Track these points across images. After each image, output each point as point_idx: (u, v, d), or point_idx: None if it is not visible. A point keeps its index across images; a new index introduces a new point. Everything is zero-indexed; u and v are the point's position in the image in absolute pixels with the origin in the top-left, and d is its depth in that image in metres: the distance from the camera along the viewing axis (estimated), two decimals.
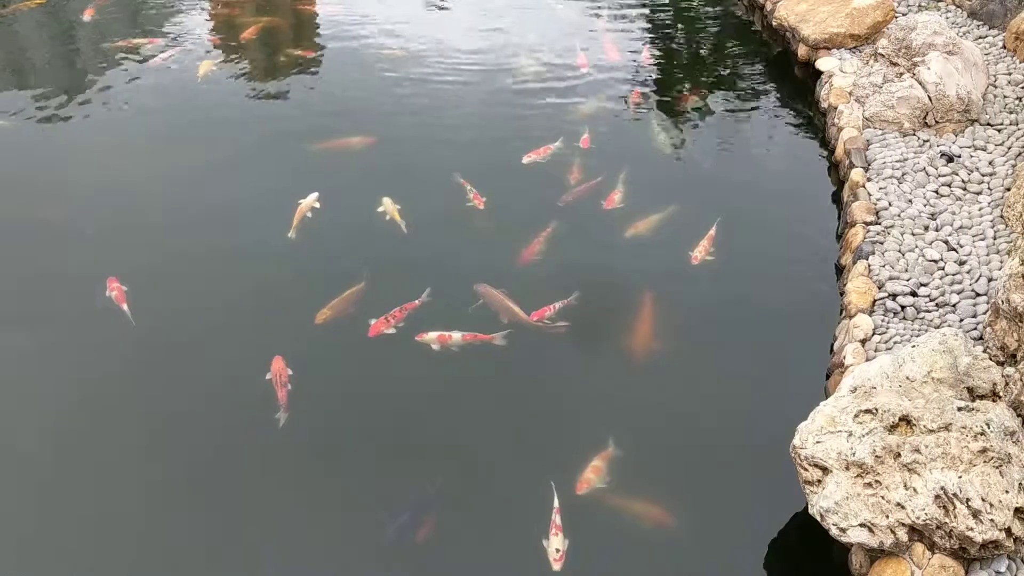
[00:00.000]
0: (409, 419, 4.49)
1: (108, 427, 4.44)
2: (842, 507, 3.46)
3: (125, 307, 5.08)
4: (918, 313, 4.61)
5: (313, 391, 4.59)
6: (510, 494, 4.11)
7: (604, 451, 4.22)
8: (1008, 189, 5.30)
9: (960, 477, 3.39)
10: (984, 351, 4.23)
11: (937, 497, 3.37)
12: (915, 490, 3.41)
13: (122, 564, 3.90)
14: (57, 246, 5.60)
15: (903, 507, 3.40)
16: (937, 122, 5.96)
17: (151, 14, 8.88)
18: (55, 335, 4.94)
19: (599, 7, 8.96)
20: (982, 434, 3.47)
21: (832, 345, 4.75)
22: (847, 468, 3.54)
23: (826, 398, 3.94)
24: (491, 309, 5.05)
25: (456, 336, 4.83)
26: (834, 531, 3.48)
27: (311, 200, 5.86)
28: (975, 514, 3.33)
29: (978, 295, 4.63)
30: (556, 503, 3.98)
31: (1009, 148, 5.69)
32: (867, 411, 3.65)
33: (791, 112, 7.07)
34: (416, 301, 5.01)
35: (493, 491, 4.14)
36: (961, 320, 4.51)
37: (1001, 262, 4.79)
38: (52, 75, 7.76)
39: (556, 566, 3.78)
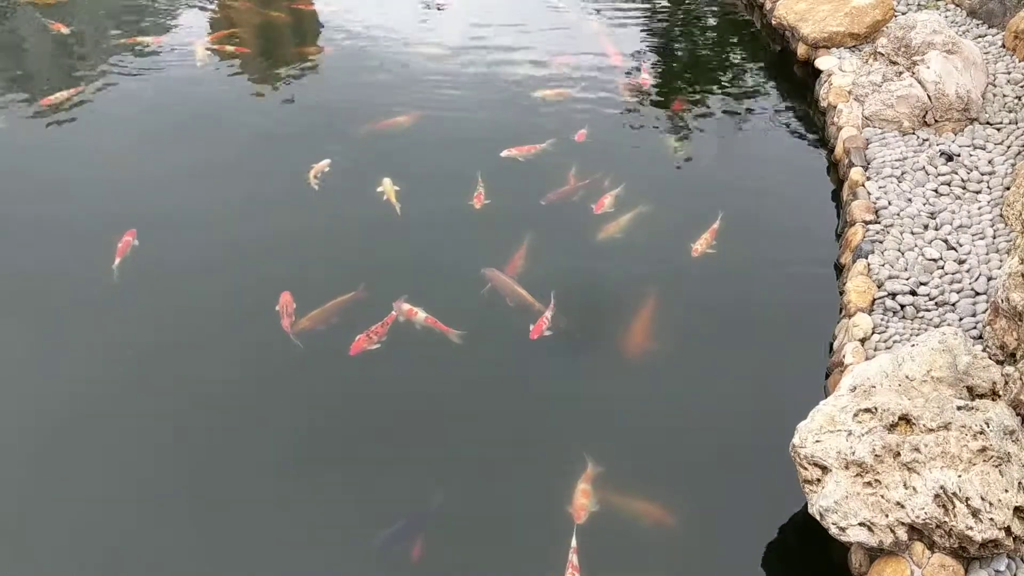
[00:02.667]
0: (406, 427, 4.45)
1: (98, 426, 4.44)
2: (841, 506, 3.46)
3: (118, 260, 5.27)
4: (917, 312, 4.61)
5: (293, 399, 4.58)
6: (512, 508, 4.06)
7: (585, 472, 4.13)
8: (1008, 188, 5.30)
9: (960, 476, 3.39)
10: (983, 350, 4.23)
11: (937, 496, 3.37)
12: (915, 489, 3.41)
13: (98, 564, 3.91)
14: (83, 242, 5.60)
15: (903, 506, 3.40)
16: (936, 121, 5.95)
17: (152, 11, 8.87)
18: (54, 333, 4.93)
19: (599, 6, 8.95)
20: (981, 433, 3.47)
21: (831, 344, 4.75)
22: (847, 467, 3.54)
23: (825, 397, 3.94)
24: (499, 293, 5.07)
25: (420, 315, 4.91)
26: (833, 530, 3.48)
27: (323, 164, 6.19)
28: (974, 513, 3.33)
29: (977, 294, 4.63)
30: (574, 542, 3.84)
31: (1008, 147, 5.69)
32: (867, 410, 3.65)
33: (790, 111, 7.06)
34: (394, 313, 4.94)
35: (494, 504, 4.09)
36: (960, 319, 4.51)
37: (1001, 261, 4.79)
38: (56, 72, 7.75)
39: None
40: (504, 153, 6.33)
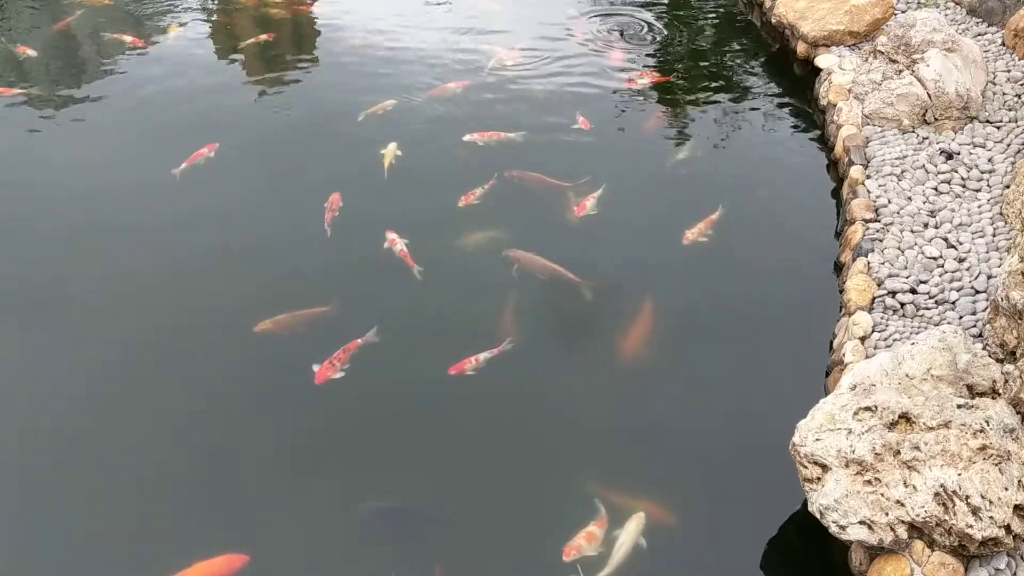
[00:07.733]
0: (403, 429, 4.43)
1: (96, 425, 4.46)
2: (842, 504, 3.46)
3: (185, 164, 5.96)
4: (917, 310, 4.60)
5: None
6: (509, 514, 4.06)
7: (598, 519, 3.96)
8: (1007, 186, 5.30)
9: (960, 474, 3.39)
10: (983, 348, 4.23)
11: (937, 494, 3.37)
12: (915, 487, 3.41)
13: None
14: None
15: (903, 504, 3.40)
16: (936, 119, 5.95)
17: (153, 9, 8.87)
18: (45, 338, 4.93)
19: (597, 3, 8.94)
20: (981, 431, 3.47)
21: (831, 343, 4.75)
22: (847, 465, 3.53)
23: (825, 395, 3.94)
24: (528, 271, 5.14)
25: (400, 244, 5.31)
26: (833, 528, 3.48)
27: (387, 107, 6.71)
28: (974, 511, 3.33)
29: (977, 292, 4.63)
30: None
31: (1008, 145, 5.69)
32: (867, 408, 3.65)
33: (790, 109, 7.05)
34: (359, 340, 4.77)
35: (491, 511, 4.08)
36: (960, 317, 4.50)
37: (1000, 259, 4.79)
38: (55, 72, 7.74)
39: None
40: (466, 137, 6.42)
